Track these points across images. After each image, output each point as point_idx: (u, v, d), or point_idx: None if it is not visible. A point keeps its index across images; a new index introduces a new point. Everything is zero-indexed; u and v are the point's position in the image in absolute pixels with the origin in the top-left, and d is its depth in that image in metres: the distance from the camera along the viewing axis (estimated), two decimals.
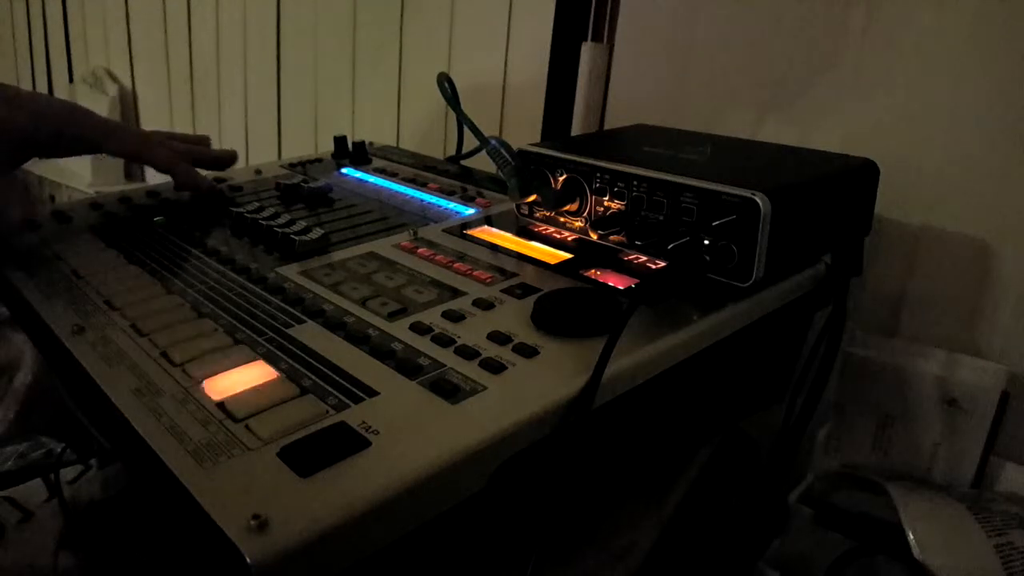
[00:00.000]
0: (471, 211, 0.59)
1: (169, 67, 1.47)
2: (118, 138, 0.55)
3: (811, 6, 0.61)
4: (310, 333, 0.39)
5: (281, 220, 0.53)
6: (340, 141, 0.75)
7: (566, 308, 0.39)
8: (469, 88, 0.76)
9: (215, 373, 0.35)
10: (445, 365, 0.35)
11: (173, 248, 0.51)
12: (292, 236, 0.50)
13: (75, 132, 0.52)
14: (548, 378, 0.34)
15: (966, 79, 0.55)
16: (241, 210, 0.55)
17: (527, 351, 0.36)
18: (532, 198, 0.52)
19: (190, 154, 0.61)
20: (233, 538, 0.24)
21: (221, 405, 0.32)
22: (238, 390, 0.33)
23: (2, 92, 0.50)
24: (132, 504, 0.51)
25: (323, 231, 0.51)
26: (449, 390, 0.33)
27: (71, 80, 1.77)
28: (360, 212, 0.58)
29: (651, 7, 0.72)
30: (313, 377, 0.34)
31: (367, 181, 0.68)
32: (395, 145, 0.84)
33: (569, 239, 0.51)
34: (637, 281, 0.44)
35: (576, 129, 0.78)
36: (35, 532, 0.50)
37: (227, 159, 0.64)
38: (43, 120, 0.51)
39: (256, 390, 0.33)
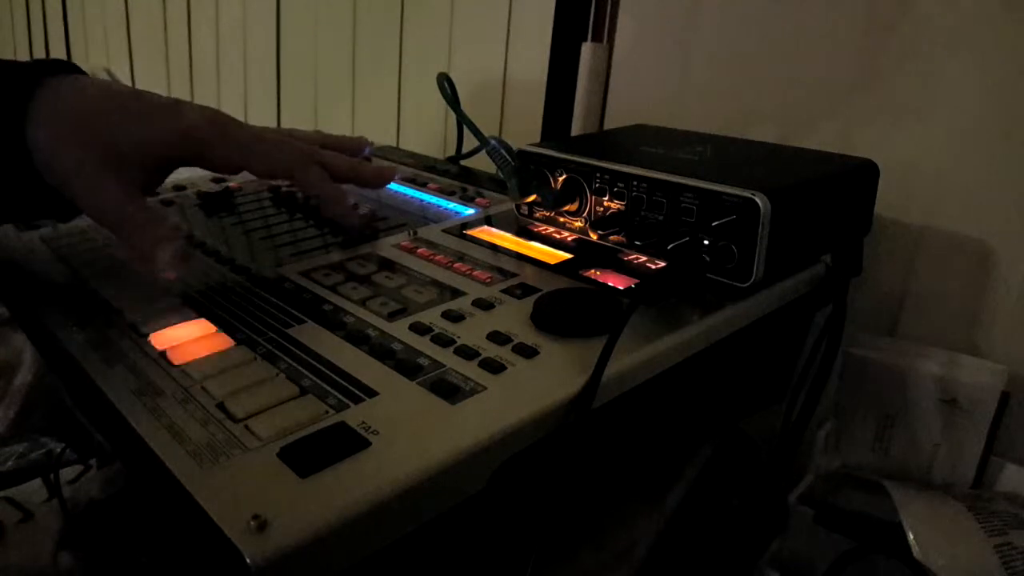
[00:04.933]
0: (471, 211, 0.59)
1: (169, 67, 1.47)
2: (265, 158, 0.46)
3: (810, 6, 0.61)
4: (310, 333, 0.39)
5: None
6: None
7: (566, 308, 0.39)
8: (469, 88, 0.76)
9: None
10: (445, 365, 0.35)
11: None
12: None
13: (216, 147, 0.44)
14: (548, 378, 0.34)
15: (966, 78, 0.54)
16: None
17: (527, 351, 0.36)
18: (532, 198, 0.52)
19: (347, 172, 0.51)
20: (233, 538, 0.24)
21: (221, 405, 0.32)
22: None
23: (136, 104, 0.43)
24: (132, 504, 0.51)
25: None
26: (449, 390, 0.33)
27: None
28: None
29: (651, 7, 0.72)
30: (313, 377, 0.34)
31: None
32: (395, 145, 0.84)
33: (569, 239, 0.51)
34: (637, 281, 0.44)
35: (576, 129, 0.78)
36: (35, 532, 0.50)
37: (388, 176, 0.55)
38: (190, 135, 0.43)
39: (256, 390, 0.33)
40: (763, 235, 0.41)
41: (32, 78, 0.40)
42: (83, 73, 0.44)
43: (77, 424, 0.59)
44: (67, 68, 0.43)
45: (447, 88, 0.52)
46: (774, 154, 0.53)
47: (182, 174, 0.52)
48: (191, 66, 1.41)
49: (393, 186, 0.65)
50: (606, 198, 0.48)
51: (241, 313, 0.41)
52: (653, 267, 0.47)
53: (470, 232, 0.53)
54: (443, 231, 0.53)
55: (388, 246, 0.51)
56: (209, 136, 0.44)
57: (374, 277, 0.46)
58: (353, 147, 0.56)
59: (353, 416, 0.31)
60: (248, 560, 0.24)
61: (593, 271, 0.46)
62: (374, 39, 1.04)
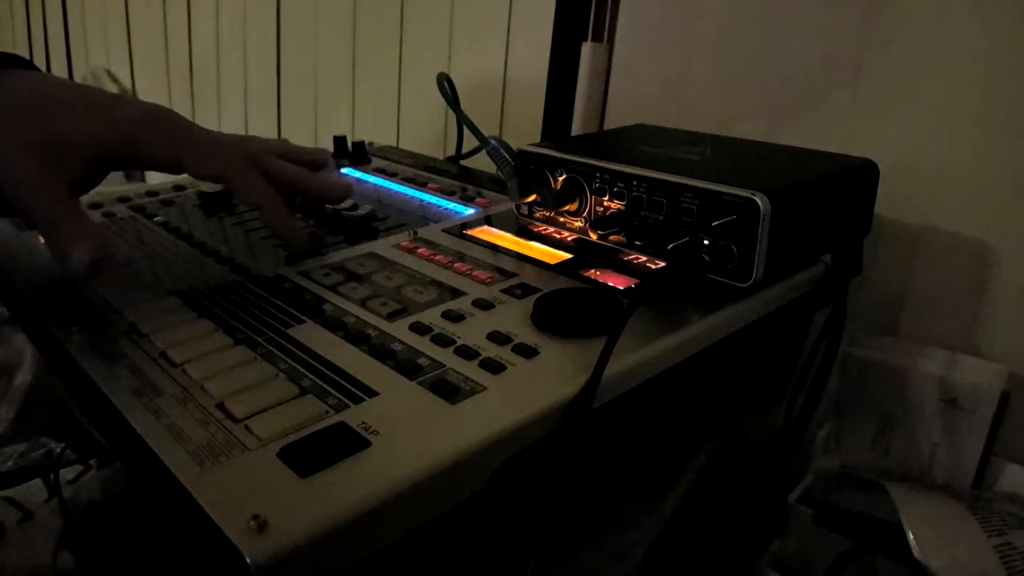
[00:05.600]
0: (471, 211, 0.59)
1: (169, 67, 1.47)
2: (203, 159, 0.44)
3: (810, 7, 0.61)
4: (310, 333, 0.39)
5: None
6: (340, 141, 0.75)
7: (566, 308, 0.39)
8: (469, 88, 0.76)
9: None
10: (445, 365, 0.35)
11: (172, 248, 0.51)
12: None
13: (152, 146, 0.42)
14: (548, 378, 0.34)
15: (967, 78, 0.54)
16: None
17: (527, 351, 0.36)
18: (532, 198, 0.52)
19: (294, 182, 0.49)
20: (233, 538, 0.24)
21: (221, 405, 0.32)
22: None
23: (78, 95, 0.42)
24: (132, 504, 0.51)
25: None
26: (449, 390, 0.33)
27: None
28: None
29: (651, 7, 0.72)
30: (313, 377, 0.34)
31: (367, 181, 0.68)
32: (395, 145, 0.84)
33: (569, 239, 0.51)
34: (637, 281, 0.44)
35: (576, 129, 0.78)
36: (35, 532, 0.50)
37: (341, 191, 0.52)
38: (129, 133, 0.41)
39: (256, 390, 0.33)
40: (763, 235, 0.41)
41: None
42: (31, 66, 0.43)
43: (77, 424, 0.59)
44: (11, 62, 0.42)
45: (447, 88, 0.52)
46: (774, 154, 0.53)
47: (182, 175, 0.51)
48: (191, 66, 1.41)
49: (393, 186, 0.65)
50: (606, 198, 0.48)
51: (241, 313, 0.41)
52: (653, 267, 0.47)
53: (470, 232, 0.53)
54: (443, 231, 0.53)
55: (388, 246, 0.51)
56: (143, 135, 0.42)
57: (374, 277, 0.46)
58: (312, 160, 0.53)
59: (353, 416, 0.31)
60: (248, 560, 0.24)
61: (593, 271, 0.46)
62: (374, 39, 1.04)
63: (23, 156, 0.39)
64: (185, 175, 0.45)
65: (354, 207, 0.57)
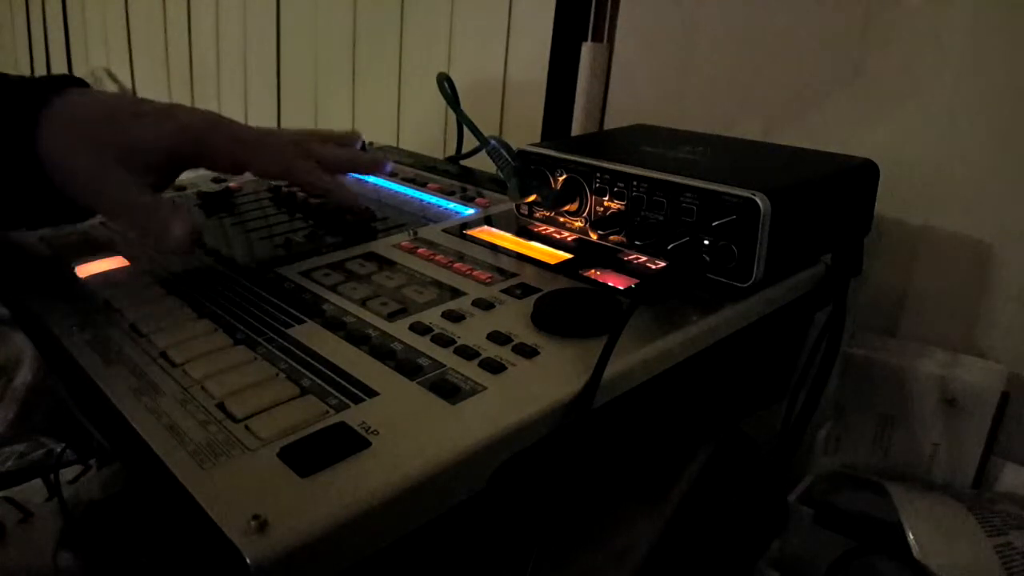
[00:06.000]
0: (471, 211, 0.59)
1: (169, 67, 1.47)
2: (264, 158, 0.48)
3: (811, 7, 0.61)
4: (310, 333, 0.39)
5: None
6: None
7: (566, 308, 0.39)
8: (469, 88, 0.76)
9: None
10: (445, 365, 0.35)
11: None
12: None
13: (217, 151, 0.46)
14: (548, 378, 0.34)
15: (966, 78, 0.54)
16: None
17: (527, 351, 0.36)
18: (532, 198, 0.52)
19: (344, 162, 0.54)
20: (233, 538, 0.24)
21: (221, 405, 0.32)
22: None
23: (137, 107, 0.45)
24: (132, 504, 0.51)
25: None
26: (449, 390, 0.33)
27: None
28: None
29: (651, 7, 0.72)
30: (313, 377, 0.34)
31: (367, 181, 0.67)
32: (395, 145, 0.84)
33: (569, 239, 0.51)
34: (637, 281, 0.44)
35: (576, 129, 0.78)
36: (35, 532, 0.50)
37: (383, 163, 0.57)
38: (191, 134, 0.45)
39: (256, 390, 0.33)
40: (763, 235, 0.41)
41: (41, 93, 0.42)
42: (87, 86, 0.47)
43: (77, 424, 0.59)
44: (73, 82, 0.46)
45: (447, 88, 0.52)
46: (774, 154, 0.53)
47: (182, 175, 0.52)
48: (191, 66, 1.41)
49: (393, 186, 0.65)
50: (606, 198, 0.48)
51: (241, 313, 0.41)
52: (653, 267, 0.47)
53: (470, 232, 0.53)
54: (443, 231, 0.53)
55: (388, 246, 0.51)
56: (207, 135, 0.46)
57: (374, 277, 0.46)
58: (346, 140, 0.57)
59: (353, 416, 0.31)
60: (248, 560, 0.24)
61: (593, 271, 0.46)
62: (374, 39, 1.04)
63: (105, 159, 0.42)
64: (194, 175, 0.47)
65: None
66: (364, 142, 0.59)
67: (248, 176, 0.69)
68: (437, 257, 0.48)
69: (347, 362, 0.36)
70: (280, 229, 0.55)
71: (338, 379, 0.34)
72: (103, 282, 0.45)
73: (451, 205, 0.60)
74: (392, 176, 0.68)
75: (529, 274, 0.46)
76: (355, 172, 0.55)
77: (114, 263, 0.48)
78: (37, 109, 0.42)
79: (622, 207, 0.47)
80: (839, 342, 0.48)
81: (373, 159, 0.56)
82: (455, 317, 0.40)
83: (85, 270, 0.47)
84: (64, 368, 0.38)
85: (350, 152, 0.55)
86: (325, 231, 0.54)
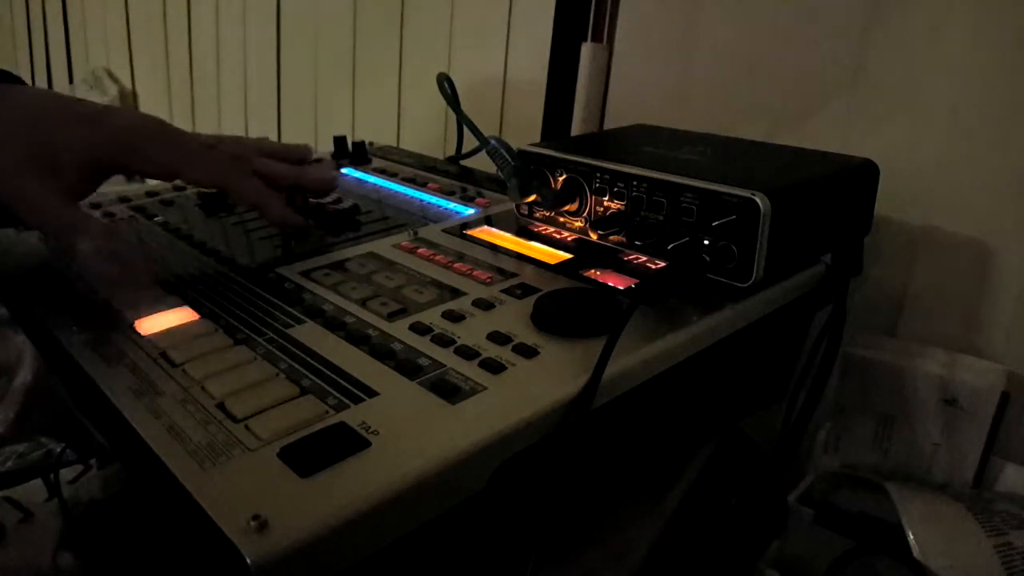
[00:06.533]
0: (471, 211, 0.59)
1: (169, 67, 1.47)
2: (199, 166, 0.46)
3: (812, 8, 0.61)
4: (310, 333, 0.39)
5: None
6: (340, 141, 0.75)
7: (566, 308, 0.39)
8: (469, 88, 0.76)
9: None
10: (445, 365, 0.35)
11: (172, 248, 0.51)
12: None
13: (146, 154, 0.44)
14: (548, 378, 0.34)
15: (966, 79, 0.54)
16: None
17: (527, 351, 0.36)
18: (532, 198, 0.52)
19: (287, 179, 0.51)
20: (233, 538, 0.24)
21: (221, 405, 0.32)
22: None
23: (66, 109, 0.44)
24: (132, 504, 0.51)
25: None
26: (449, 390, 0.33)
27: (71, 81, 1.77)
28: (360, 212, 0.58)
29: (651, 7, 0.72)
30: (313, 377, 0.34)
31: (367, 181, 0.68)
32: (395, 145, 0.84)
33: (569, 239, 0.51)
34: (637, 281, 0.44)
35: (576, 129, 0.78)
36: (35, 532, 0.50)
37: (329, 183, 0.54)
38: (122, 139, 0.43)
39: (256, 390, 0.33)
40: (763, 235, 0.41)
41: None
42: (20, 82, 0.45)
43: (77, 424, 0.59)
44: (6, 78, 0.44)
45: (447, 88, 0.52)
46: (774, 154, 0.53)
47: None
48: (191, 66, 1.41)
49: (393, 186, 0.65)
50: (606, 198, 0.48)
51: (241, 313, 0.41)
52: (653, 267, 0.47)
53: (470, 232, 0.53)
54: (443, 231, 0.53)
55: (388, 246, 0.51)
56: (139, 142, 0.44)
57: (374, 277, 0.46)
58: (295, 155, 0.54)
59: (353, 416, 0.31)
60: (248, 560, 0.24)
61: (593, 271, 0.46)
62: (374, 39, 1.04)
63: (19, 168, 0.41)
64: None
65: (337, 200, 0.58)
66: (312, 157, 0.56)
67: None
68: (437, 257, 0.48)
69: (347, 362, 0.36)
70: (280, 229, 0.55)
71: (338, 379, 0.34)
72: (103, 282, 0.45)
73: (451, 205, 0.60)
74: (392, 176, 0.68)
75: (529, 274, 0.46)
76: (297, 188, 0.52)
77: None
78: None
79: (622, 207, 0.47)
80: (839, 342, 0.48)
81: (318, 178, 0.53)
82: (455, 317, 0.40)
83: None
84: (64, 368, 0.38)
85: (293, 169, 0.51)
86: (316, 224, 0.54)
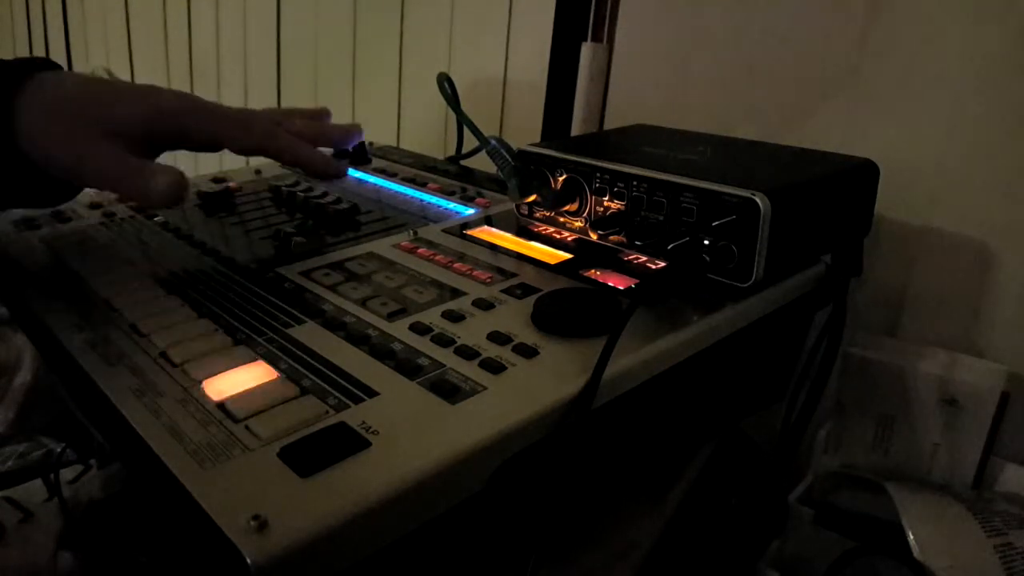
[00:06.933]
0: (471, 211, 0.59)
1: (169, 67, 1.47)
2: (241, 133, 0.49)
3: (811, 7, 0.61)
4: (310, 333, 0.39)
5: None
6: None
7: (566, 308, 0.39)
8: (469, 88, 0.76)
9: (215, 374, 0.35)
10: (445, 365, 0.35)
11: (172, 248, 0.51)
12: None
13: (193, 130, 0.47)
14: (548, 378, 0.34)
15: (966, 78, 0.54)
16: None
17: (527, 351, 0.36)
18: (532, 198, 0.52)
19: (316, 134, 0.54)
20: (233, 538, 0.24)
21: (221, 406, 0.32)
22: (238, 390, 0.33)
23: (114, 87, 0.47)
24: (132, 504, 0.51)
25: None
26: (449, 390, 0.33)
27: None
28: (360, 212, 0.58)
29: (651, 7, 0.72)
30: (313, 377, 0.34)
31: (367, 181, 0.68)
32: (395, 145, 0.84)
33: (569, 239, 0.51)
34: (637, 281, 0.44)
35: (576, 129, 0.78)
36: (35, 532, 0.50)
37: (356, 132, 0.58)
38: (169, 114, 0.46)
39: (256, 390, 0.33)
40: (763, 235, 0.41)
41: (17, 74, 0.43)
42: (59, 68, 0.47)
43: (77, 424, 0.59)
44: (48, 65, 0.46)
45: (447, 88, 0.52)
46: (774, 154, 0.53)
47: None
48: (191, 66, 1.41)
49: (393, 186, 0.65)
50: (606, 198, 0.48)
51: (241, 313, 0.41)
52: (653, 267, 0.47)
53: (470, 232, 0.53)
54: (443, 231, 0.53)
55: (388, 246, 0.51)
56: (184, 114, 0.47)
57: (374, 277, 0.46)
58: (317, 114, 0.58)
59: (353, 416, 0.31)
60: (248, 560, 0.24)
61: (593, 271, 0.46)
62: (374, 39, 1.04)
63: (88, 134, 0.43)
64: (194, 175, 0.46)
65: (337, 200, 0.58)
66: (330, 116, 0.60)
67: (248, 176, 0.69)
68: (437, 257, 0.48)
69: (347, 362, 0.36)
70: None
71: (338, 379, 0.34)
72: (103, 282, 0.45)
73: (451, 205, 0.60)
74: (392, 176, 0.68)
75: (529, 274, 0.46)
76: (327, 143, 0.56)
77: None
78: (11, 94, 0.42)
79: (622, 207, 0.47)
80: (839, 342, 0.48)
81: (345, 129, 0.57)
82: (455, 317, 0.40)
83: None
84: (64, 368, 0.38)
85: (321, 125, 0.56)
86: (315, 223, 0.54)
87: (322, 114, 0.58)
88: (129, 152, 0.44)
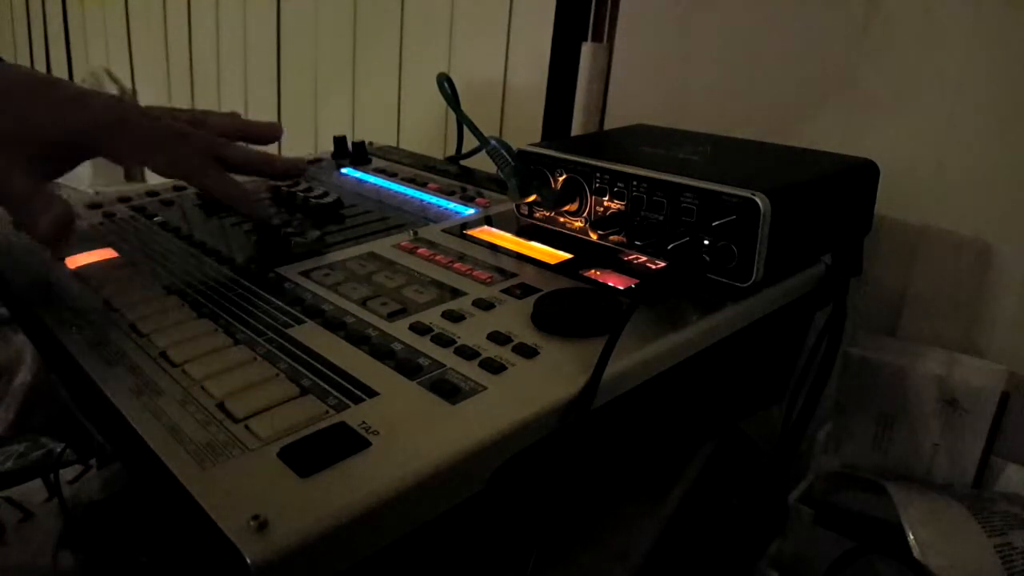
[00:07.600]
0: (471, 211, 0.59)
1: (169, 67, 1.47)
2: (166, 160, 0.46)
3: (811, 8, 0.61)
4: (310, 333, 0.39)
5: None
6: (340, 141, 0.75)
7: (566, 308, 0.39)
8: (469, 88, 0.76)
9: (215, 374, 0.35)
10: (445, 365, 0.35)
11: (172, 248, 0.51)
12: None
13: (120, 147, 0.44)
14: (548, 378, 0.34)
15: (966, 78, 0.54)
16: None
17: (527, 351, 0.36)
18: (532, 198, 0.52)
19: (253, 165, 0.51)
20: (233, 538, 0.24)
21: (221, 405, 0.32)
22: (238, 390, 0.33)
23: (42, 85, 0.43)
24: (132, 504, 0.51)
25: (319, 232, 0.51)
26: (449, 390, 0.33)
27: (71, 80, 1.77)
28: (360, 212, 0.58)
29: (651, 7, 0.72)
30: (313, 377, 0.34)
31: (367, 181, 0.68)
32: (395, 145, 0.84)
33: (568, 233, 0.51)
34: (637, 281, 0.44)
35: (576, 129, 0.78)
36: (35, 532, 0.50)
37: (298, 169, 0.55)
38: (96, 124, 0.43)
39: (256, 390, 0.33)
40: (763, 235, 0.41)
41: None
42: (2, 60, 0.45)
43: (77, 424, 0.59)
44: None
45: (447, 88, 0.52)
46: (774, 154, 0.53)
47: None
48: (191, 66, 1.41)
49: (393, 186, 0.65)
50: (606, 198, 0.48)
51: (241, 313, 0.41)
52: (653, 267, 0.47)
53: (470, 232, 0.53)
54: (443, 231, 0.53)
55: (388, 246, 0.51)
56: (114, 130, 0.44)
57: (374, 277, 0.46)
58: (264, 134, 0.55)
59: (353, 416, 0.31)
60: (248, 560, 0.24)
61: (593, 271, 0.46)
62: (374, 39, 1.04)
63: None
64: None
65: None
66: (282, 133, 0.58)
67: (246, 176, 0.69)
68: (437, 257, 0.48)
69: (347, 362, 0.36)
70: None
71: (338, 379, 0.34)
72: (102, 280, 0.45)
73: (451, 205, 0.60)
74: (392, 176, 0.68)
75: (529, 274, 0.46)
76: (267, 175, 0.54)
77: (102, 255, 0.49)
78: None
79: (622, 207, 0.47)
80: (839, 342, 0.48)
81: (286, 166, 0.54)
82: (455, 317, 0.40)
83: (75, 262, 0.47)
84: (64, 368, 0.38)
85: (260, 156, 0.52)
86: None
87: (271, 132, 0.56)
88: (35, 166, 0.41)
